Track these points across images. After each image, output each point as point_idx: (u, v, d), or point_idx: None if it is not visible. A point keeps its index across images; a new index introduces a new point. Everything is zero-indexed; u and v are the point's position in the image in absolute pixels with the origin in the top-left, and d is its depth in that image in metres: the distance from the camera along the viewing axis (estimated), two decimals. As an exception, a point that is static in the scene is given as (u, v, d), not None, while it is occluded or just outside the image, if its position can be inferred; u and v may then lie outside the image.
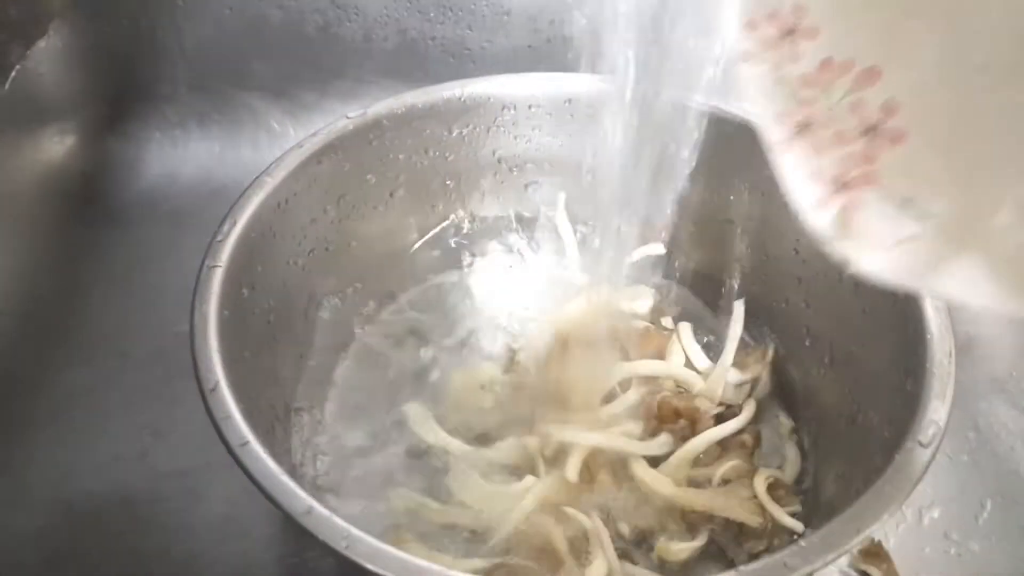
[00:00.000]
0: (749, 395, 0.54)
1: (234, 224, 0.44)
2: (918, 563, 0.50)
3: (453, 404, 0.52)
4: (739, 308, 0.57)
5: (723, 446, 0.51)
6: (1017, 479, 0.55)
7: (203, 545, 0.49)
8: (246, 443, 0.35)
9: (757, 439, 0.52)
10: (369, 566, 0.32)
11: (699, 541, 0.47)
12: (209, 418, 0.37)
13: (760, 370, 0.54)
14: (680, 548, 0.46)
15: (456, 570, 0.31)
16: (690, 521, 0.48)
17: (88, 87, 0.68)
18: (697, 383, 0.54)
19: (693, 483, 0.49)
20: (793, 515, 0.47)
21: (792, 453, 0.52)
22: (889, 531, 0.51)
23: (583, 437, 0.49)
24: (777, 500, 0.48)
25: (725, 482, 0.49)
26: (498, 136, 0.58)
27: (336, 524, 0.33)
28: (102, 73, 0.69)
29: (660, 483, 0.48)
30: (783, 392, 0.55)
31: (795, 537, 0.45)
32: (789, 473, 0.51)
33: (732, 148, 0.49)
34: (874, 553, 0.49)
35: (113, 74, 0.69)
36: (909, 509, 0.52)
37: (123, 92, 0.70)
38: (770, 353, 0.55)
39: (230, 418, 0.36)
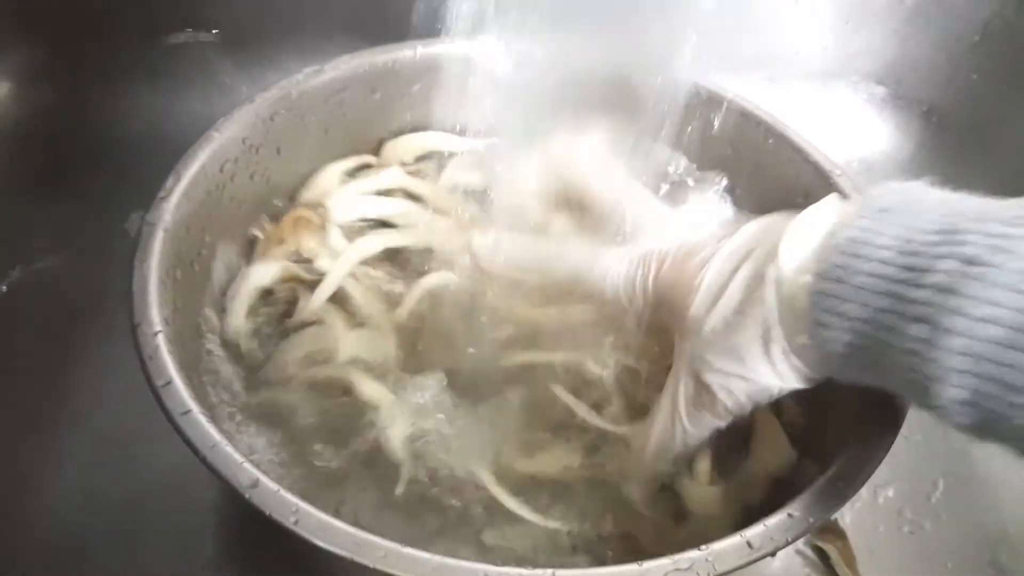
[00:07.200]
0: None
1: (178, 180, 0.42)
2: (872, 540, 0.50)
3: None
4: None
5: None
6: (968, 459, 0.55)
7: (143, 513, 0.47)
8: (188, 412, 0.33)
9: None
10: (319, 542, 0.30)
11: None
12: (148, 385, 0.34)
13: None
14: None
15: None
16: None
17: (23, 27, 0.64)
18: None
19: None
20: None
21: None
22: (845, 508, 0.51)
23: None
24: None
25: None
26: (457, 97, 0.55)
27: (284, 498, 0.31)
28: (39, 12, 0.64)
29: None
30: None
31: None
32: None
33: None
34: (830, 530, 0.49)
35: (51, 14, 0.64)
36: (865, 488, 0.52)
37: (62, 34, 0.65)
38: None
39: (171, 384, 0.34)
